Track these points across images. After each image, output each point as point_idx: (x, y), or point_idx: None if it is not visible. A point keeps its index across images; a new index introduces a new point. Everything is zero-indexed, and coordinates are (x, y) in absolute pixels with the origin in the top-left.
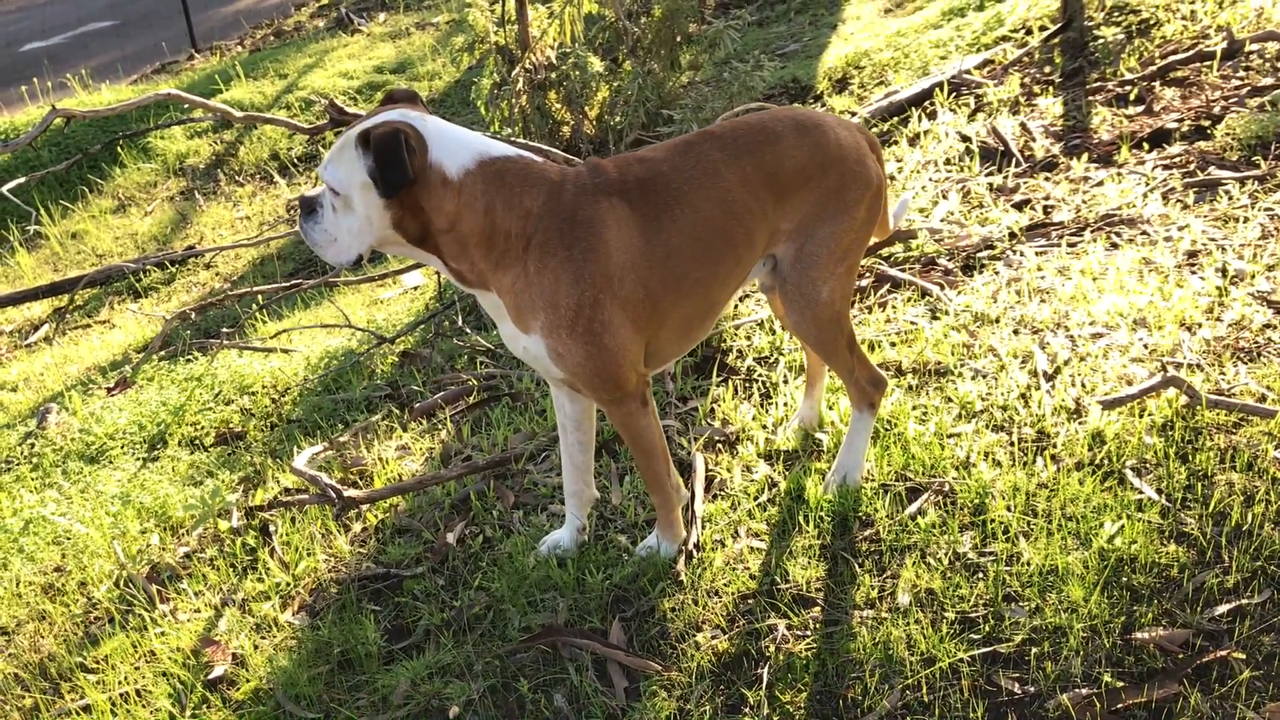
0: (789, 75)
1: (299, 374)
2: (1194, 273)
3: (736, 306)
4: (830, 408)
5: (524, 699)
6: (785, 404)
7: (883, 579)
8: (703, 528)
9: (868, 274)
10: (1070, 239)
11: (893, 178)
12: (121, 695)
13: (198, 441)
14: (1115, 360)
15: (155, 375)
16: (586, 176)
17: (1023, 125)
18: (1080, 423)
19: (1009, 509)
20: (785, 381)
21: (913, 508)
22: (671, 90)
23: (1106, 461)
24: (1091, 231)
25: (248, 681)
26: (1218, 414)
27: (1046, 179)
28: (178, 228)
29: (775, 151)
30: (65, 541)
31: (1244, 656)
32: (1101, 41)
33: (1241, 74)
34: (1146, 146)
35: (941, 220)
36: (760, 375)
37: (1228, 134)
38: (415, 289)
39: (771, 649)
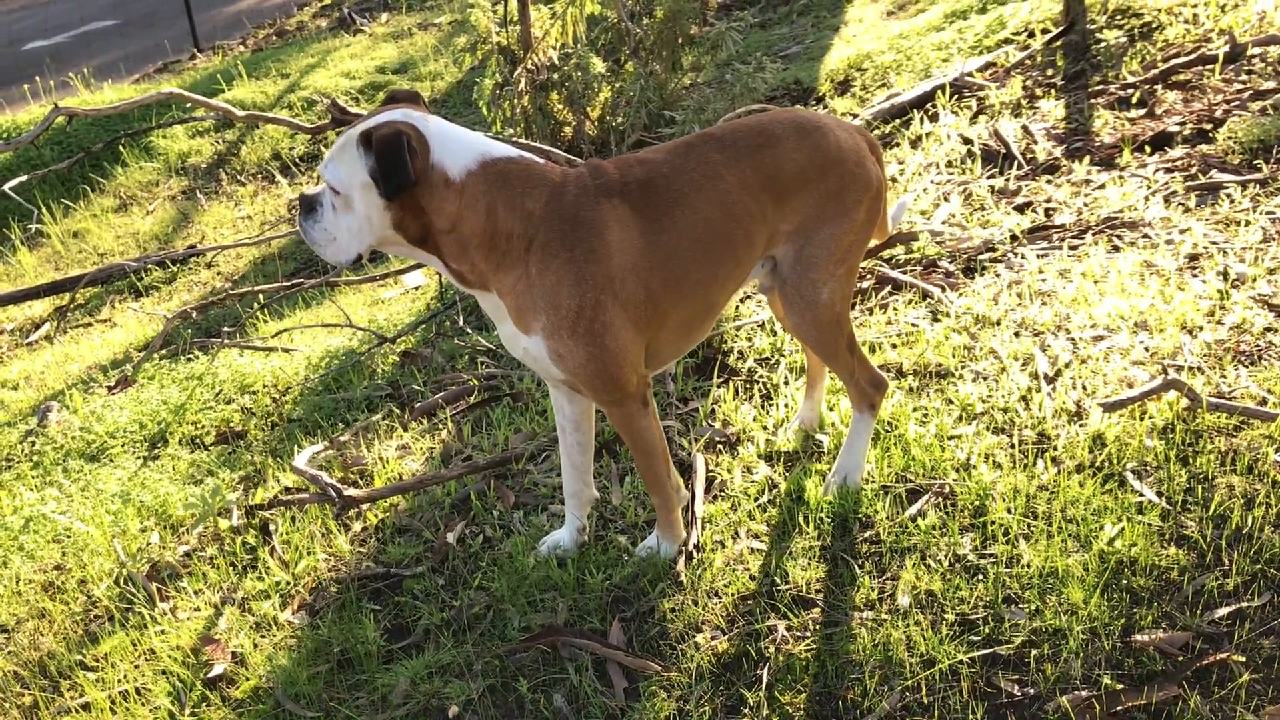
0: (791, 77)
1: (300, 373)
2: (1195, 276)
3: (737, 308)
4: (831, 409)
5: (523, 699)
6: (786, 405)
7: (883, 580)
8: (703, 528)
9: (869, 276)
10: (1072, 242)
11: (894, 180)
12: (121, 693)
13: (198, 440)
14: (1116, 363)
15: (156, 374)
16: (588, 178)
17: (1024, 128)
18: (1081, 425)
19: (1009, 511)
20: (786, 383)
21: (913, 509)
22: (673, 91)
23: (1107, 464)
24: (1093, 234)
25: (247, 680)
26: (1218, 417)
27: (1048, 182)
28: (179, 227)
29: (775, 153)
30: (65, 539)
31: (1244, 659)
32: (1104, 45)
33: (1243, 78)
34: (1148, 150)
35: (943, 222)
36: (761, 376)
37: (1229, 137)
38: (416, 289)
39: (771, 650)
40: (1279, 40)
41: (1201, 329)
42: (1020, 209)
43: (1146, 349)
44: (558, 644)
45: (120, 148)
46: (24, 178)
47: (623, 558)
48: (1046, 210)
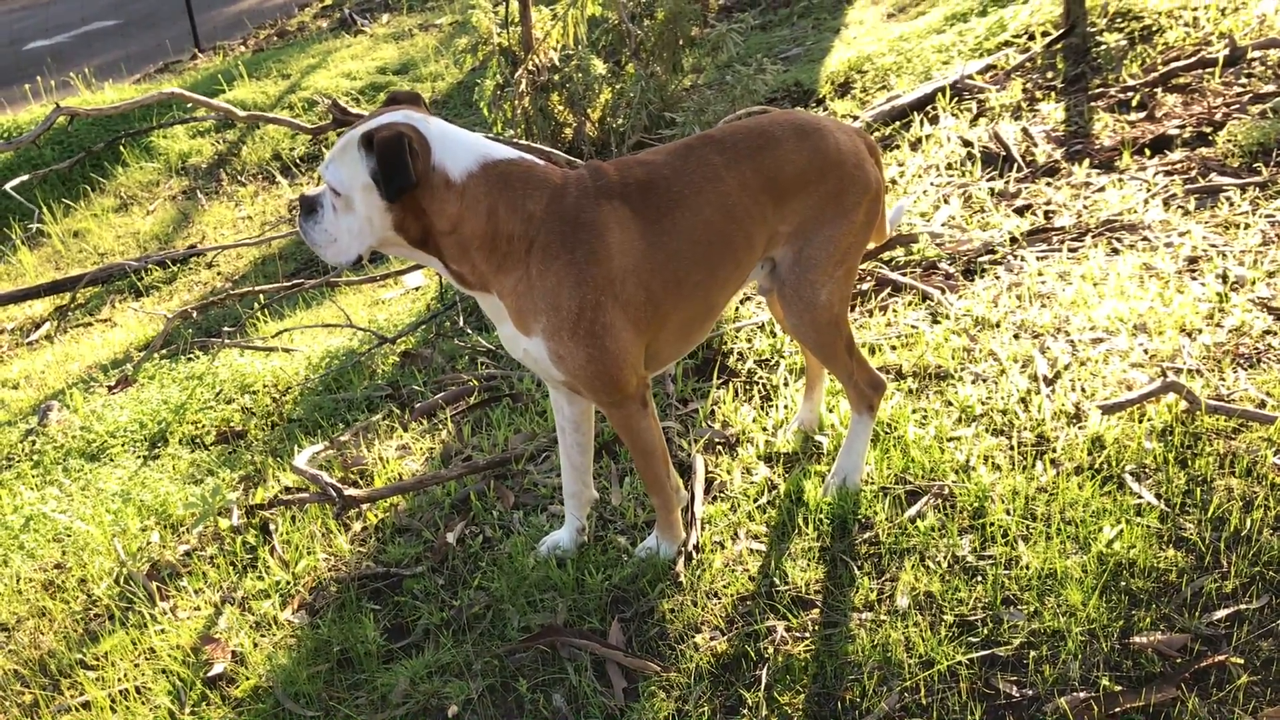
0: (791, 79)
1: (300, 373)
2: (1194, 279)
3: (737, 309)
4: (830, 410)
5: (523, 699)
6: (785, 406)
7: (882, 581)
8: (702, 529)
9: (869, 277)
10: (1071, 244)
11: (894, 182)
12: (121, 692)
13: (198, 440)
14: (1115, 365)
15: (156, 373)
16: (588, 180)
17: (1024, 130)
18: (1080, 427)
19: (1008, 513)
20: (785, 384)
21: (912, 511)
22: (674, 93)
23: (1106, 466)
24: (1092, 237)
25: (247, 679)
26: (1217, 419)
27: (1048, 184)
28: (180, 227)
29: (775, 155)
30: (66, 539)
31: (1242, 661)
32: (1104, 47)
33: (1243, 81)
34: (1148, 152)
35: (943, 225)
36: (760, 378)
37: (1229, 140)
38: (417, 289)
39: (770, 650)
40: (1279, 44)
41: (1200, 332)
42: (1020, 211)
43: (1145, 351)
44: (557, 644)
45: (121, 148)
46: (25, 177)
47: (622, 558)
48: (1046, 213)
